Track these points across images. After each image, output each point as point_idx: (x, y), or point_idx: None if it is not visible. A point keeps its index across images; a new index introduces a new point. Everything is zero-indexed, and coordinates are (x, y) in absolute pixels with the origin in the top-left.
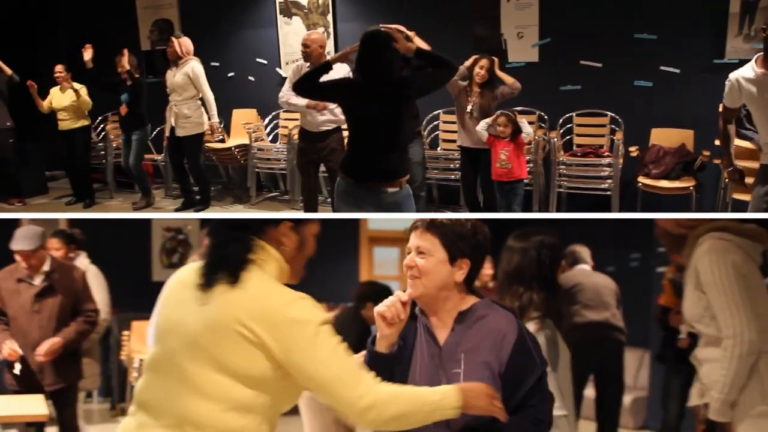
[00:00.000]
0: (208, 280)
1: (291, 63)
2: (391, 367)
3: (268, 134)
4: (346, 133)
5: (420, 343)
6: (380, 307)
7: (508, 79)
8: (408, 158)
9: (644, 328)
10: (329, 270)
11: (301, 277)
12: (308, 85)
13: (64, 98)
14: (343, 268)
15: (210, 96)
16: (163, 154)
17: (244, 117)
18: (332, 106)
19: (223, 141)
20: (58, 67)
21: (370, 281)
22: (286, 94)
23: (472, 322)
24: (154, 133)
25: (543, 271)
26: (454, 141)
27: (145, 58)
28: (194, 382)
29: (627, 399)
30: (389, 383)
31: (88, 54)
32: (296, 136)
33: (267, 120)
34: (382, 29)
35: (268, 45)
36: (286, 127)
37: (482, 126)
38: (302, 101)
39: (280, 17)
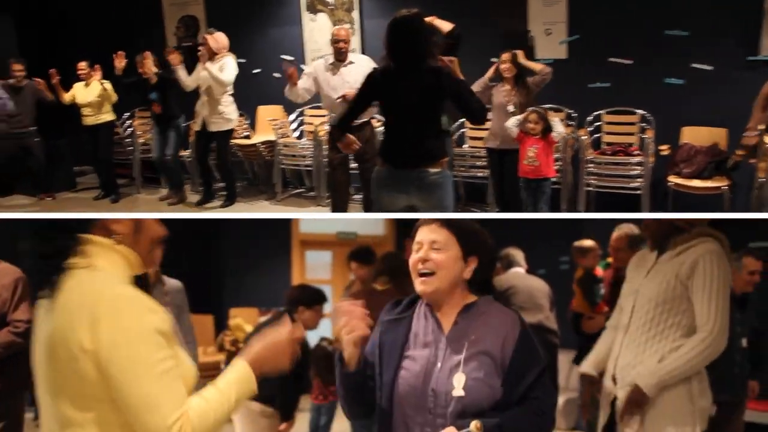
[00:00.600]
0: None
1: (316, 59)
2: (360, 382)
3: (294, 130)
4: (374, 123)
5: (419, 333)
6: (340, 329)
7: (536, 66)
8: (446, 139)
9: None
10: (261, 274)
11: (155, 263)
12: (347, 120)
13: (88, 93)
14: (274, 272)
15: (227, 79)
16: (190, 150)
17: (269, 113)
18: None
19: (248, 137)
20: (81, 64)
21: (302, 285)
22: (292, 93)
23: (476, 316)
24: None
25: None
26: (480, 138)
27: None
28: (49, 412)
29: (560, 400)
30: (199, 397)
31: (121, 62)
32: (322, 133)
33: (293, 116)
34: (411, 10)
35: (293, 42)
36: (311, 124)
37: (512, 122)
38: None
39: (305, 14)
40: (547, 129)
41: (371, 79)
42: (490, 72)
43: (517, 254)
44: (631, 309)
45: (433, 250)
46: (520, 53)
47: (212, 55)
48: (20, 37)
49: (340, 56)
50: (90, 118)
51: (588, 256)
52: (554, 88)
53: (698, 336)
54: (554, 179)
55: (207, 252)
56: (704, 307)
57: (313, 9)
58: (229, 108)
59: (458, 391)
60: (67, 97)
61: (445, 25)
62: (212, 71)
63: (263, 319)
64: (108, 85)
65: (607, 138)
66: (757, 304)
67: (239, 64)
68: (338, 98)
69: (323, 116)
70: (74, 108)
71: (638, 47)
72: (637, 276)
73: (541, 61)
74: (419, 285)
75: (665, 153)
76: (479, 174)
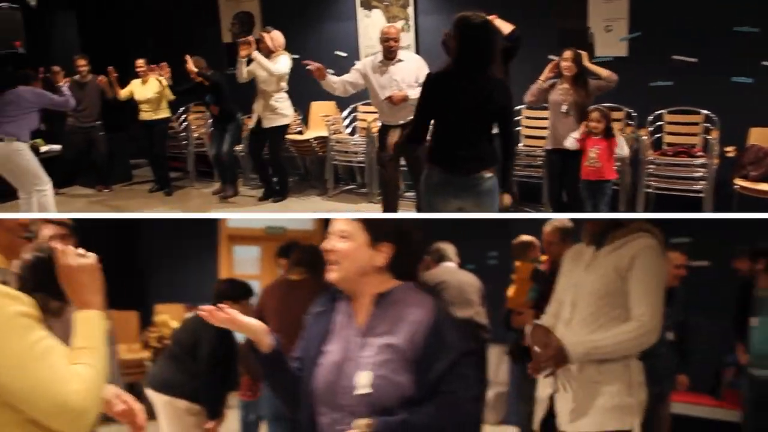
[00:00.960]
0: None
1: (370, 56)
2: (281, 364)
3: (346, 127)
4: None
5: (337, 326)
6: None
7: (603, 71)
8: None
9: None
10: (188, 269)
11: (17, 254)
12: (417, 136)
13: (146, 90)
14: (202, 267)
15: (275, 68)
16: (243, 145)
17: (322, 109)
18: (412, 97)
19: (301, 133)
20: (139, 62)
21: (229, 279)
22: (335, 85)
23: (390, 306)
24: None
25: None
26: (535, 137)
27: (226, 50)
28: None
29: (488, 394)
30: (80, 364)
31: (166, 71)
32: (375, 129)
33: (345, 113)
34: (480, 16)
35: (347, 38)
36: (364, 120)
37: (570, 143)
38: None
39: (360, 9)
40: (609, 130)
41: (429, 84)
42: (545, 74)
43: (449, 249)
44: (570, 302)
45: (339, 239)
46: (584, 55)
47: (268, 53)
48: (81, 34)
49: (389, 54)
50: (147, 114)
51: (533, 249)
52: (614, 87)
53: (632, 323)
54: (614, 181)
55: (132, 247)
56: (641, 300)
57: (367, 5)
58: (283, 104)
59: (363, 389)
60: (123, 93)
61: (506, 27)
62: (260, 59)
63: (189, 314)
64: (165, 82)
65: (668, 138)
66: (683, 299)
67: (293, 60)
68: (385, 99)
69: (376, 113)
70: (132, 103)
71: (703, 44)
72: (575, 269)
73: (601, 59)
74: (327, 274)
75: (731, 155)
76: (534, 174)
